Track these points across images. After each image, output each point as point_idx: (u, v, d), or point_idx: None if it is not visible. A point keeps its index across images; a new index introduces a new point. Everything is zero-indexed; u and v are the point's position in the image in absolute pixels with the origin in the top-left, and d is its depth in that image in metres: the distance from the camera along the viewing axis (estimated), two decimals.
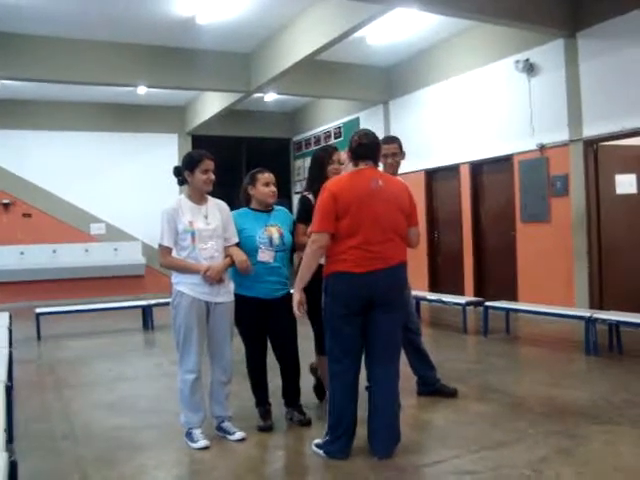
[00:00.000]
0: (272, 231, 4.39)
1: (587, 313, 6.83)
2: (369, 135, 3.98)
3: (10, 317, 7.49)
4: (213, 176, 4.21)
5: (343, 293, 3.77)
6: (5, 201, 13.13)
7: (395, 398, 3.95)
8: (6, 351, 5.25)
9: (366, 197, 3.78)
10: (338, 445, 3.81)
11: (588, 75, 8.21)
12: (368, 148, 3.92)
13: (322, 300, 3.89)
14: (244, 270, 4.17)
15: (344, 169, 4.43)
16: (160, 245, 4.14)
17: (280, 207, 4.66)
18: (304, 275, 3.85)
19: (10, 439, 3.40)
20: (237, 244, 4.29)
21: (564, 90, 8.54)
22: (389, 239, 3.83)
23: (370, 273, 3.75)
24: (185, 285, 4.10)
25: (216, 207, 4.28)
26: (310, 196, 4.54)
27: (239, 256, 4.19)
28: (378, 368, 3.89)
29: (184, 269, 4.12)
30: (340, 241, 3.76)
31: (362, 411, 3.93)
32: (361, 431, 3.96)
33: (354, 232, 3.74)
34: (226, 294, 4.22)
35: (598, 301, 8.29)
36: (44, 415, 5.06)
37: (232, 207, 4.48)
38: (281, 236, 4.40)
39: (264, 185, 4.46)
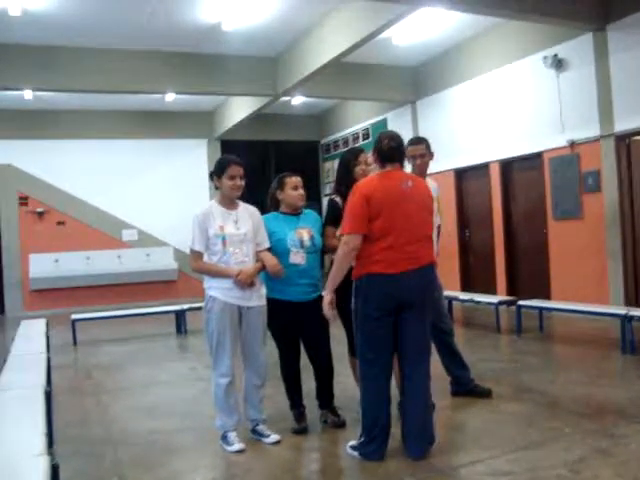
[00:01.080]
0: (302, 233, 4.41)
1: (623, 310, 6.73)
2: (396, 137, 4.01)
3: (47, 323, 7.61)
4: (241, 182, 4.23)
5: (376, 295, 3.78)
6: (39, 210, 13.37)
7: (427, 398, 3.95)
8: (44, 357, 5.34)
9: (398, 198, 3.81)
10: (373, 447, 3.81)
11: (619, 69, 8.09)
12: (396, 150, 3.95)
13: (352, 302, 3.90)
14: (275, 274, 4.20)
15: (372, 170, 4.43)
16: (191, 250, 4.19)
17: (308, 210, 4.68)
18: (336, 276, 3.87)
19: (51, 443, 3.46)
20: (269, 249, 4.32)
21: (594, 85, 8.43)
22: (419, 240, 3.87)
23: (403, 274, 3.77)
24: (217, 290, 4.14)
25: (247, 212, 4.31)
26: (337, 199, 4.54)
27: (270, 260, 4.22)
28: (409, 369, 3.90)
29: (215, 273, 4.16)
30: (372, 242, 3.76)
31: (396, 411, 3.93)
32: (396, 432, 3.96)
33: (387, 233, 3.75)
34: (258, 298, 4.25)
35: (633, 298, 8.16)
36: (82, 420, 5.14)
37: (262, 211, 4.52)
38: (311, 238, 4.42)
39: (292, 189, 4.48)
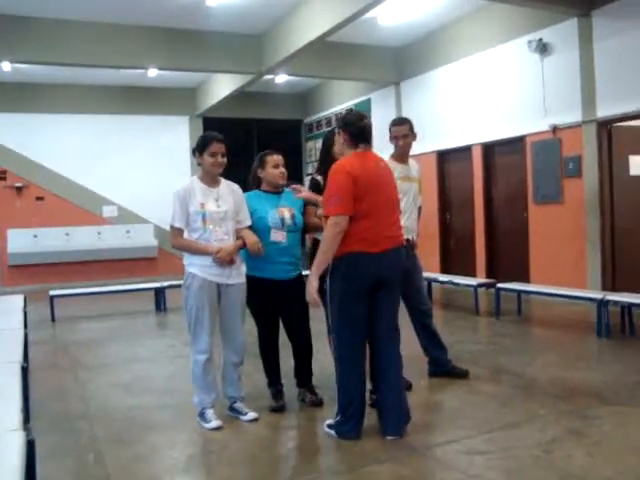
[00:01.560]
0: (284, 212, 4.40)
1: (599, 295, 6.81)
2: (366, 117, 4.04)
3: (25, 299, 7.56)
4: (223, 159, 4.20)
5: (358, 273, 3.79)
6: (18, 185, 13.18)
7: (401, 376, 4.01)
8: (21, 332, 5.31)
9: (378, 179, 3.85)
10: (349, 426, 3.84)
11: (602, 55, 8.11)
12: (368, 131, 3.96)
13: (327, 282, 3.87)
14: (255, 252, 4.19)
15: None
16: (171, 226, 4.17)
17: (289, 189, 4.67)
18: (323, 260, 3.80)
19: (27, 419, 3.45)
20: (250, 227, 4.30)
21: (577, 70, 8.44)
22: (396, 219, 3.97)
23: (384, 252, 3.81)
24: (196, 267, 4.13)
25: (228, 190, 4.29)
26: (319, 177, 4.54)
27: (250, 238, 4.21)
28: (384, 348, 3.94)
29: (195, 250, 4.14)
30: (356, 222, 3.75)
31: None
32: (372, 411, 3.99)
33: (370, 213, 3.77)
34: (238, 275, 4.24)
35: (610, 283, 8.25)
36: (60, 395, 5.13)
37: (244, 189, 4.50)
38: (292, 217, 4.42)
39: (273, 167, 4.47)
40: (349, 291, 3.80)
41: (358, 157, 3.88)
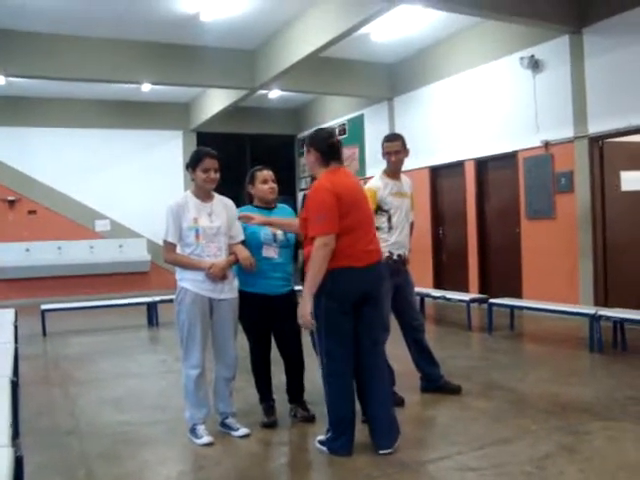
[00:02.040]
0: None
1: (592, 310, 6.82)
2: (334, 134, 4.11)
3: (16, 313, 7.51)
4: (216, 175, 4.20)
5: (343, 289, 3.79)
6: (10, 198, 13.16)
7: (389, 391, 4.05)
8: (12, 347, 5.27)
9: (357, 194, 3.93)
10: (340, 442, 3.82)
11: (594, 71, 8.18)
12: (337, 148, 3.99)
13: (313, 299, 3.82)
14: (248, 267, 4.19)
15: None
16: (164, 241, 4.16)
17: (283, 204, 4.70)
18: (315, 280, 3.75)
19: (16, 434, 3.42)
20: (242, 242, 4.30)
21: (569, 86, 8.51)
22: (374, 233, 4.06)
23: (369, 267, 3.86)
24: (189, 281, 4.12)
25: (222, 205, 4.29)
26: None
27: (243, 253, 4.20)
28: (370, 363, 3.93)
29: (188, 265, 4.13)
30: (340, 239, 3.76)
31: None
32: (364, 427, 3.98)
33: (353, 229, 3.80)
34: (230, 291, 4.23)
35: (603, 298, 8.27)
36: (50, 411, 5.09)
37: (238, 205, 4.51)
38: (285, 233, 4.42)
39: (262, 182, 4.49)
40: (335, 307, 3.79)
41: (334, 174, 3.90)
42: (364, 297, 3.87)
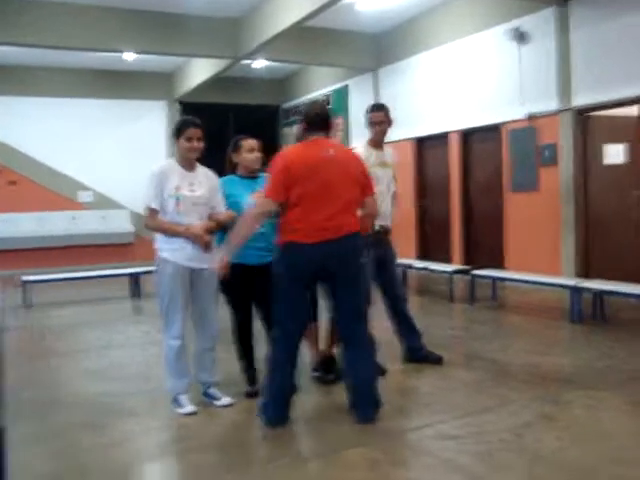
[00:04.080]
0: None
1: (572, 282, 6.90)
2: (321, 107, 4.09)
3: None
4: (199, 144, 4.17)
5: (294, 263, 3.82)
6: None
7: (370, 363, 4.04)
8: None
9: (317, 167, 3.80)
10: (272, 410, 3.87)
11: (579, 44, 8.16)
12: (323, 119, 3.96)
13: (274, 268, 3.92)
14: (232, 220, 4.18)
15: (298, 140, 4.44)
16: (147, 207, 4.12)
17: (266, 174, 4.65)
18: (238, 234, 3.88)
19: None
20: None
21: (554, 59, 8.49)
22: (341, 209, 3.84)
23: (322, 243, 3.77)
24: (168, 251, 4.10)
25: (204, 176, 4.26)
26: None
27: (222, 215, 4.23)
28: (346, 335, 3.98)
29: (169, 231, 4.08)
30: (291, 210, 3.77)
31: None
32: (339, 398, 4.01)
33: (304, 202, 3.76)
34: (210, 260, 4.21)
35: (584, 270, 8.35)
36: (32, 382, 5.08)
37: (220, 174, 4.48)
38: None
39: (248, 151, 4.46)
40: (287, 278, 3.83)
41: (304, 146, 3.94)
42: (325, 274, 3.86)
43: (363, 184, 3.97)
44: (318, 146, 3.89)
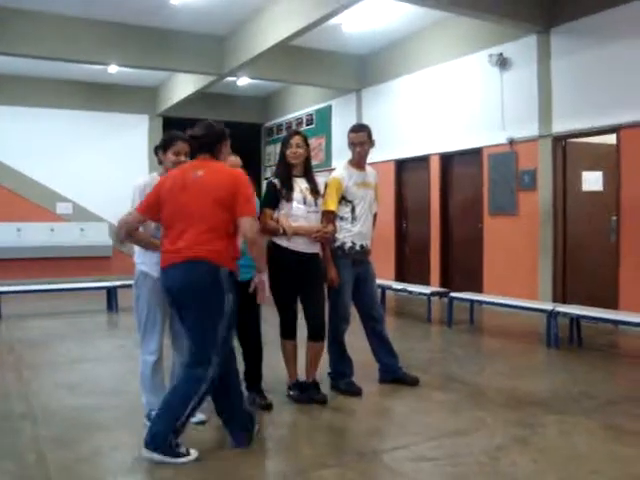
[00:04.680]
0: None
1: (549, 306, 6.93)
2: (202, 127, 3.89)
3: None
4: (186, 159, 4.14)
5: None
6: None
7: (236, 390, 3.87)
8: None
9: (180, 189, 3.67)
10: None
11: (560, 72, 8.29)
12: (209, 140, 3.84)
13: None
14: None
15: (302, 155, 4.65)
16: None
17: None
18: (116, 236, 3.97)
19: None
20: None
21: (535, 86, 8.61)
22: (192, 233, 3.62)
23: (168, 268, 3.68)
24: (148, 265, 4.06)
25: None
26: (275, 180, 4.61)
27: None
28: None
29: (150, 246, 4.04)
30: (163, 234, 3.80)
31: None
32: (331, 412, 3.97)
33: (165, 224, 3.74)
34: None
35: (561, 295, 8.41)
36: (2, 395, 4.99)
37: None
38: None
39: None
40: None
41: (183, 167, 3.88)
42: (175, 302, 3.76)
43: (230, 206, 3.61)
44: (192, 167, 3.77)
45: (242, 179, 3.75)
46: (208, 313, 3.60)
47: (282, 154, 4.65)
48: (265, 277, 3.83)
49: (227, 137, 3.98)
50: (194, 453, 3.63)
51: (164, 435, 3.55)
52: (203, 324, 3.62)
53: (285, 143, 4.65)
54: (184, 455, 3.59)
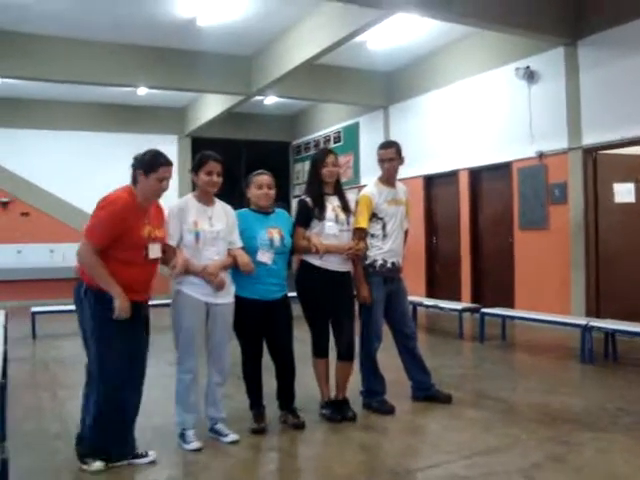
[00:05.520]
0: (273, 233, 4.39)
1: (583, 321, 6.83)
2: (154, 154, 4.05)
3: (6, 315, 7.47)
4: (218, 179, 4.21)
5: None
6: (3, 200, 13.13)
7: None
8: (1, 349, 5.24)
9: None
10: None
11: (588, 83, 8.22)
12: (148, 167, 3.98)
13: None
14: (247, 272, 4.17)
15: (337, 172, 4.72)
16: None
17: (281, 210, 4.68)
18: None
19: (2, 437, 3.40)
20: (242, 248, 4.29)
21: (564, 98, 8.55)
22: None
23: None
24: (186, 285, 4.10)
25: (222, 210, 4.30)
26: (307, 199, 4.59)
27: (243, 257, 4.20)
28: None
29: (191, 271, 4.09)
30: None
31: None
32: (365, 433, 3.95)
33: None
34: (226, 295, 4.21)
35: (594, 309, 8.28)
36: (37, 414, 5.05)
37: (234, 208, 4.50)
38: (282, 238, 4.41)
39: (257, 188, 4.47)
40: None
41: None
42: None
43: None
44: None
45: (102, 200, 3.90)
46: (91, 332, 3.86)
47: (314, 172, 4.65)
48: (117, 303, 3.71)
49: (142, 168, 4.00)
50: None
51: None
52: (92, 345, 3.88)
53: (320, 161, 4.62)
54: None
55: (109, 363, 3.75)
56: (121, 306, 3.68)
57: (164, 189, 3.98)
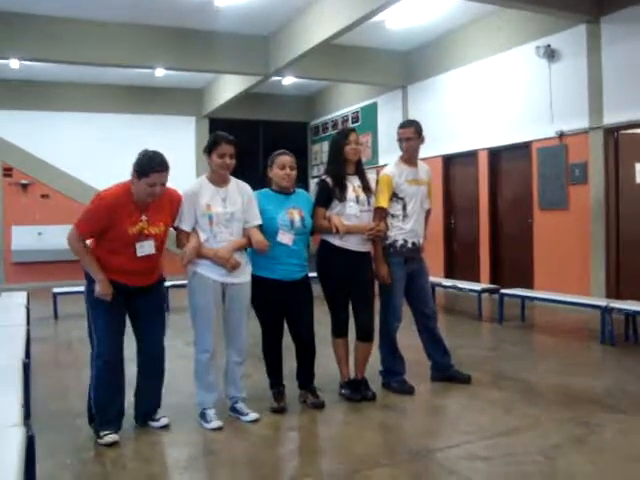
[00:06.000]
0: (294, 213, 4.39)
1: (603, 302, 6.78)
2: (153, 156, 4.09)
3: (28, 296, 7.55)
4: (231, 161, 4.18)
5: None
6: (24, 182, 13.23)
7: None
8: (24, 329, 5.31)
9: None
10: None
11: (610, 61, 8.09)
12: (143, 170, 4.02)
13: None
14: (261, 250, 4.18)
15: (361, 150, 4.71)
16: (176, 228, 4.16)
17: (301, 190, 4.67)
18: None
19: (27, 415, 3.45)
20: (260, 226, 4.29)
21: (585, 77, 8.43)
22: None
23: None
24: (201, 266, 4.13)
25: (237, 190, 4.26)
26: (328, 179, 4.57)
27: (256, 236, 4.19)
28: None
29: (203, 255, 4.12)
30: None
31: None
32: (384, 411, 3.96)
33: None
34: (242, 275, 4.22)
35: (614, 290, 8.22)
36: (61, 393, 5.13)
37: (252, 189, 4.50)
38: (302, 219, 4.40)
39: (279, 168, 4.45)
40: None
41: None
42: None
43: None
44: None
45: (97, 193, 4.15)
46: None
47: (336, 151, 4.61)
48: (97, 287, 3.97)
49: (136, 169, 4.04)
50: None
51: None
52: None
53: (343, 140, 4.58)
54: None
55: (97, 339, 4.11)
56: (101, 291, 3.93)
57: (156, 194, 3.96)
